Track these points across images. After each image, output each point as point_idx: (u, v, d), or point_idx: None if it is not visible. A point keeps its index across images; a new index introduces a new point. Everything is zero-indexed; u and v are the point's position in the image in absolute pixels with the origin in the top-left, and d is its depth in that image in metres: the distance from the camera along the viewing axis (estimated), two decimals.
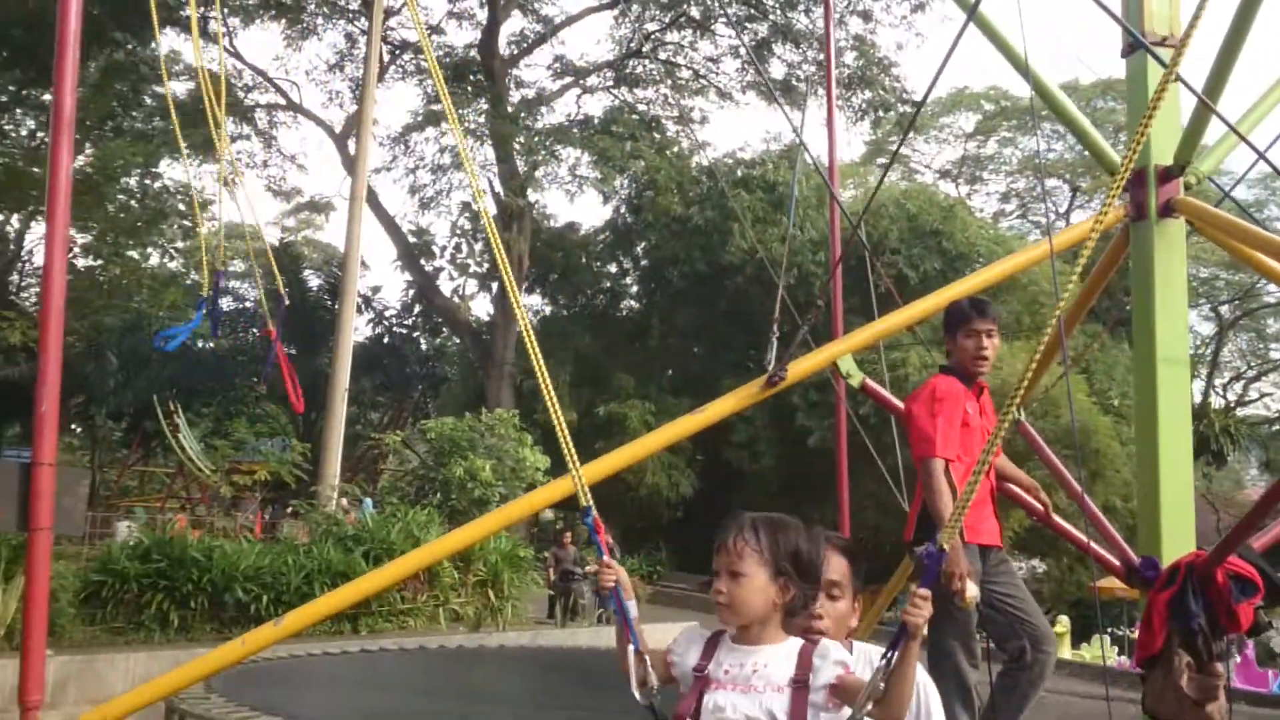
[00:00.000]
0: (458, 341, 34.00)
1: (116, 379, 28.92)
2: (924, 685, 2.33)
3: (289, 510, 19.07)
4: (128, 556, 10.86)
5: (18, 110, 21.49)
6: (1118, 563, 5.13)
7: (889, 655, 2.03)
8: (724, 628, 2.18)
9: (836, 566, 2.37)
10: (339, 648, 9.02)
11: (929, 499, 4.14)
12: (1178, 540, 4.86)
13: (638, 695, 2.23)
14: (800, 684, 2.06)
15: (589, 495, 2.49)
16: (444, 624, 12.46)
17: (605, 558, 2.33)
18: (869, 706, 2.02)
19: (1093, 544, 5.23)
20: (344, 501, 17.00)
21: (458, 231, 31.49)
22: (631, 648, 2.23)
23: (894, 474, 6.15)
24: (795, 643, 2.14)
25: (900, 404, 5.18)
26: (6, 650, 8.42)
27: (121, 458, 32.82)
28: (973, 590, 3.93)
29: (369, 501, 17.41)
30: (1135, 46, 5.23)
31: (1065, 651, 18.79)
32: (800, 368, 5.03)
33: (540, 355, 2.63)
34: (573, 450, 2.53)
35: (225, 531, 12.65)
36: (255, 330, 33.99)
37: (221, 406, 31.77)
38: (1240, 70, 4.99)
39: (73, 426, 33.13)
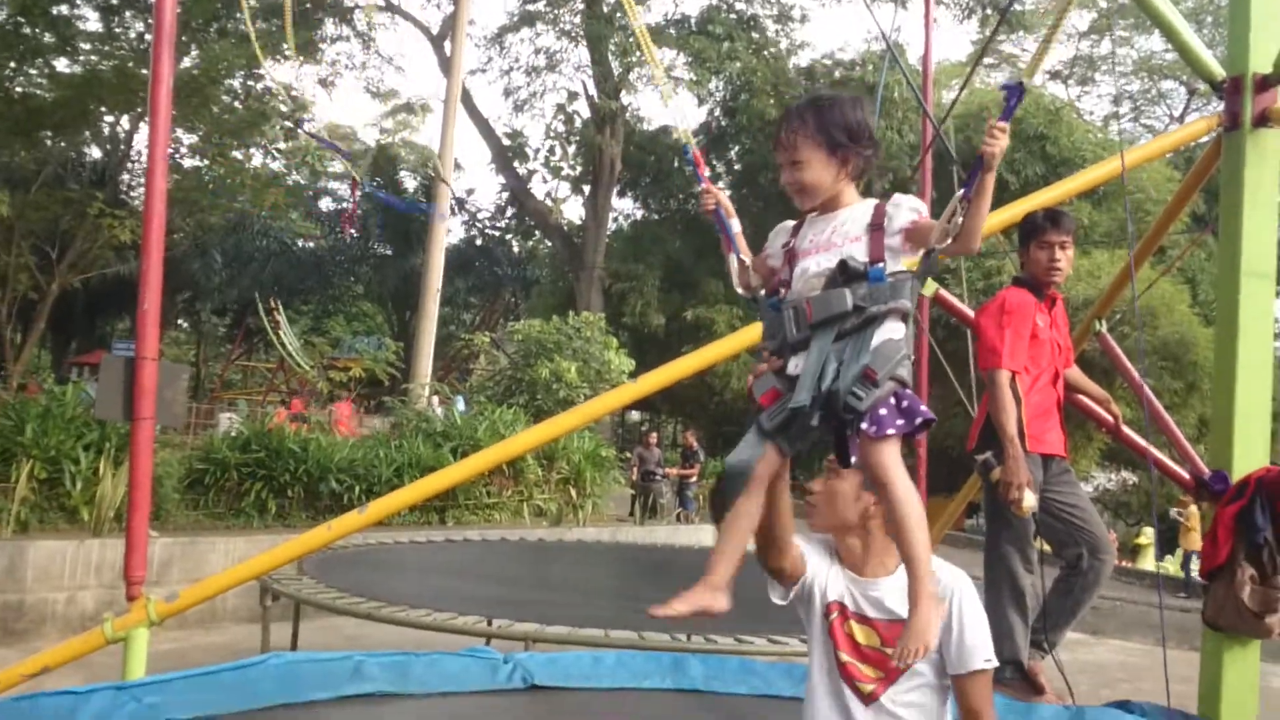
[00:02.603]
0: (549, 245, 34.22)
1: (221, 276, 29.84)
2: (958, 592, 2.36)
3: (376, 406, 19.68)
4: (229, 446, 11.35)
5: (127, 13, 21.87)
6: (1188, 475, 5.11)
7: (966, 189, 2.13)
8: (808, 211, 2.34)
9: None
10: (425, 537, 9.41)
11: (993, 410, 4.17)
12: (1250, 455, 4.81)
13: (740, 290, 2.46)
14: (876, 228, 2.21)
15: (690, 134, 2.69)
16: (528, 518, 12.84)
17: (704, 184, 2.50)
18: (948, 242, 2.15)
19: (1163, 457, 5.21)
20: (436, 399, 17.46)
21: (551, 134, 31.49)
22: (733, 256, 2.46)
23: (967, 386, 6.14)
24: (871, 201, 2.29)
25: (972, 315, 5.17)
26: (117, 531, 8.95)
27: (225, 352, 34.01)
28: (1030, 500, 3.97)
29: (462, 399, 17.83)
30: None
31: (1149, 564, 18.62)
32: None
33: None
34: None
35: (321, 426, 13.13)
36: (354, 232, 34.71)
37: (320, 305, 32.65)
38: None
39: (179, 322, 34.40)
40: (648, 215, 32.32)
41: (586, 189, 30.48)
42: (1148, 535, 19.40)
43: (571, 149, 31.05)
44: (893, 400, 2.11)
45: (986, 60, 33.10)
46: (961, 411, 6.86)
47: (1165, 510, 18.25)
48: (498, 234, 36.75)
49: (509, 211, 35.92)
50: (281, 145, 29.10)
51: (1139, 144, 31.17)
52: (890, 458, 2.12)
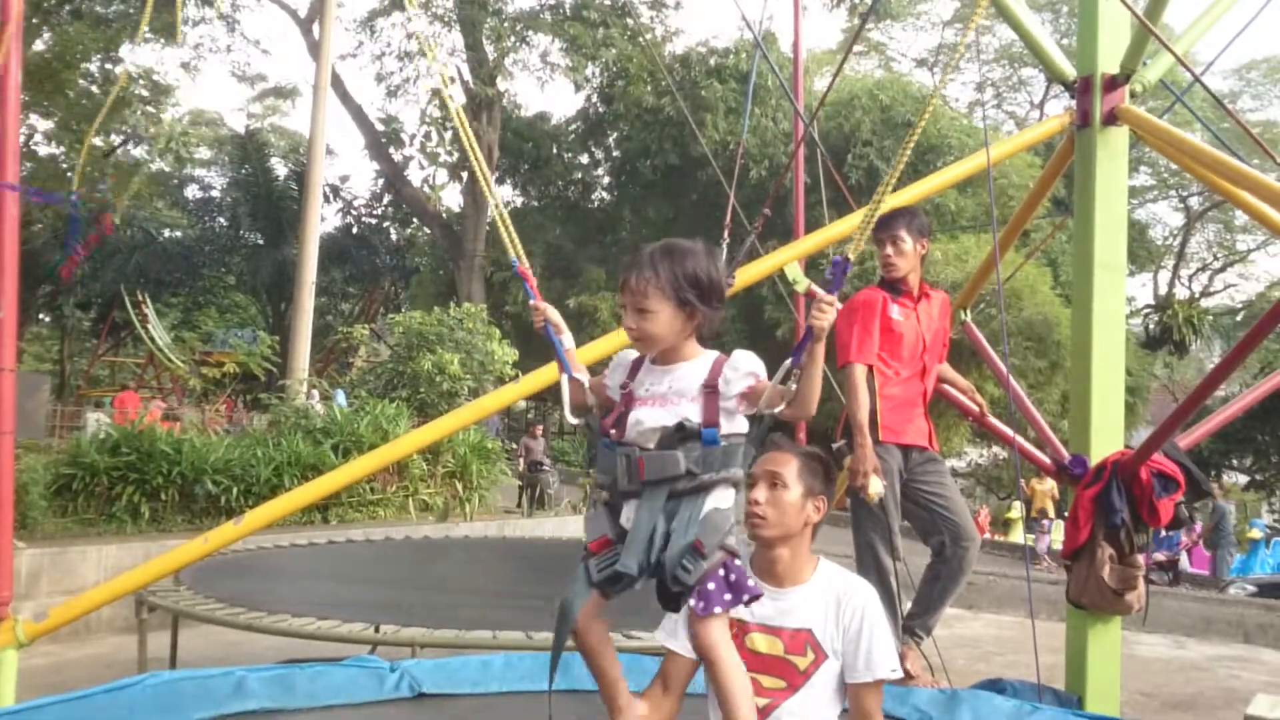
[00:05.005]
0: (428, 233, 33.75)
1: (83, 268, 28.58)
2: (867, 606, 2.41)
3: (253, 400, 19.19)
4: (97, 450, 10.89)
5: None
6: (1049, 460, 5.36)
7: (796, 357, 2.17)
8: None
9: (783, 461, 2.48)
10: (307, 539, 9.23)
11: (847, 403, 4.36)
12: (1106, 439, 5.08)
13: (570, 417, 2.46)
14: (711, 389, 2.23)
15: (521, 253, 2.65)
16: (413, 514, 12.69)
17: (534, 300, 2.50)
18: (781, 407, 2.19)
19: (1026, 444, 5.45)
20: (315, 394, 17.07)
21: (426, 120, 30.98)
22: (565, 376, 2.43)
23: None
24: (710, 355, 2.30)
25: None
26: None
27: (91, 347, 32.66)
28: (875, 486, 4.14)
29: (342, 394, 17.50)
30: None
31: (1019, 537, 19.39)
32: (748, 274, 5.14)
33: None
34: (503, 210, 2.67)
35: (195, 425, 12.72)
36: (223, 220, 33.66)
37: (189, 297, 31.62)
38: None
39: (40, 316, 32.91)
40: (528, 202, 32.19)
41: (464, 176, 30.15)
42: (1018, 509, 20.18)
43: (448, 135, 30.64)
44: (721, 573, 2.18)
45: (856, 48, 33.78)
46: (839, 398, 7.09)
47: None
48: (374, 222, 36.07)
49: (385, 199, 35.30)
50: (143, 131, 28.06)
51: (1001, 130, 32.28)
52: (717, 634, 2.20)
